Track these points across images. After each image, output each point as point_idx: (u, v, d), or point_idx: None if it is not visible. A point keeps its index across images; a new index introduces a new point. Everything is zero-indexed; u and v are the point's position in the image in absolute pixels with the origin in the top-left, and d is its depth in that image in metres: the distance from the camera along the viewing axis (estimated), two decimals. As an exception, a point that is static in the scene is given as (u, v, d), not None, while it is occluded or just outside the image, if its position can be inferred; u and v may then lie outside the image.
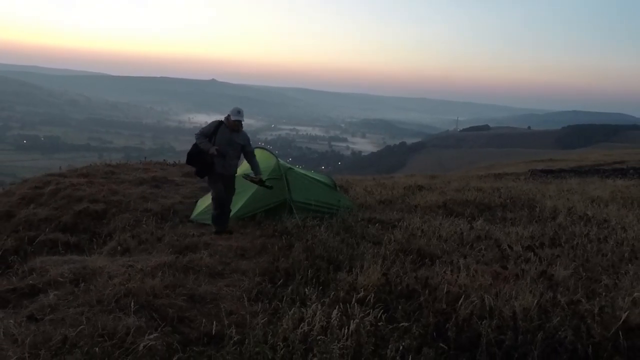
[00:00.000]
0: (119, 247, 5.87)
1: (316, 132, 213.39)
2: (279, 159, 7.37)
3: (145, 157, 14.24)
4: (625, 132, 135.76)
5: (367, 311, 3.28)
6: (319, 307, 3.32)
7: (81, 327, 3.15)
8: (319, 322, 3.07)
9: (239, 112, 6.38)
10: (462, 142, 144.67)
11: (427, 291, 3.76)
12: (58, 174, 10.66)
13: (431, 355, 2.80)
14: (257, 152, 8.18)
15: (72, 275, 4.25)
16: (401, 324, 3.17)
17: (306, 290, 3.87)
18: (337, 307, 3.32)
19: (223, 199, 6.44)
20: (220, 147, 6.21)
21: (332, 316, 3.14)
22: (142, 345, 2.97)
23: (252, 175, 6.54)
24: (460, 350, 3.00)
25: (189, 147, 6.54)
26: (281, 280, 4.22)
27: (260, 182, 6.52)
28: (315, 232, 5.79)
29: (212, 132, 6.37)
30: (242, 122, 6.47)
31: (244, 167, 8.32)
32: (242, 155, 6.68)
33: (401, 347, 2.81)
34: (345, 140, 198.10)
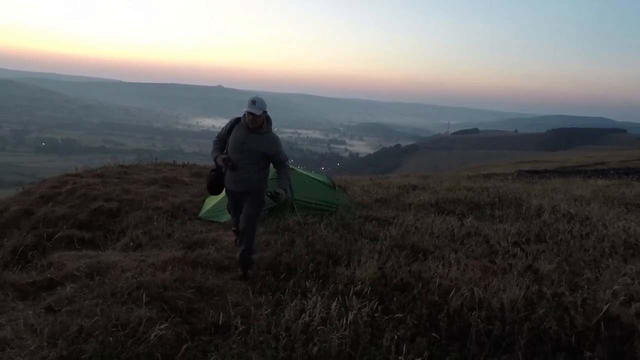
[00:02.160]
0: (131, 243, 5.86)
1: (316, 135, 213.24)
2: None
3: (156, 159, 14.22)
4: (606, 135, 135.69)
5: (364, 303, 3.28)
6: (319, 299, 3.32)
7: (96, 317, 3.16)
8: (319, 313, 3.07)
9: (253, 103, 4.25)
10: (453, 144, 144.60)
11: (420, 284, 3.76)
12: (74, 174, 10.65)
13: (424, 344, 2.80)
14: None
15: (87, 269, 4.25)
16: (396, 315, 3.17)
17: (307, 283, 3.87)
18: (336, 299, 3.32)
19: (235, 225, 4.73)
20: (231, 155, 4.40)
21: (331, 308, 3.14)
22: (153, 334, 2.97)
23: (277, 192, 4.36)
24: (451, 339, 3.00)
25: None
26: (283, 274, 4.22)
27: (279, 199, 4.43)
28: (316, 228, 5.79)
29: (225, 133, 4.57)
30: (264, 119, 4.38)
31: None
32: (271, 166, 4.65)
33: (396, 337, 2.80)
34: (343, 142, 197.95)
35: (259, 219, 4.74)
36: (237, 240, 4.64)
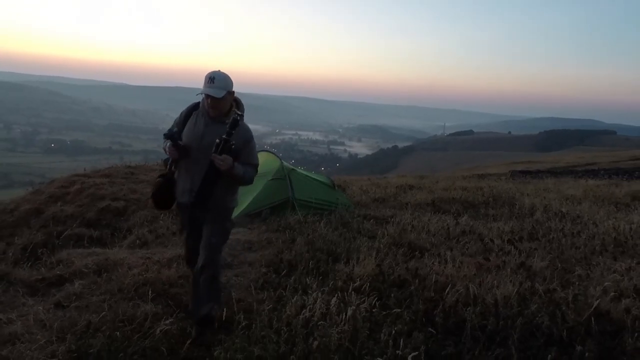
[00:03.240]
0: (137, 241, 5.86)
1: (316, 136, 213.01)
2: (283, 161, 7.36)
3: (162, 159, 14.16)
4: (596, 136, 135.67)
5: (363, 299, 3.28)
6: (319, 295, 3.32)
7: (103, 313, 3.16)
8: (319, 309, 3.07)
9: (211, 80, 3.02)
10: (449, 145, 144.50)
11: (417, 281, 3.76)
12: (83, 174, 10.65)
13: (421, 339, 2.80)
14: (263, 155, 8.13)
15: (95, 267, 4.25)
16: (393, 311, 3.17)
17: (307, 279, 3.87)
18: (336, 295, 3.32)
19: (188, 250, 3.40)
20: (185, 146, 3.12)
21: (331, 303, 3.14)
22: (158, 329, 2.97)
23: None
24: (447, 334, 3.00)
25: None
26: (285, 271, 4.21)
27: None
28: (316, 227, 5.79)
29: (180, 120, 3.27)
30: (231, 102, 3.16)
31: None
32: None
33: (393, 332, 2.80)
34: (342, 144, 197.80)
35: (224, 247, 3.39)
36: (193, 281, 3.31)
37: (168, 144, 3.16)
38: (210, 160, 2.96)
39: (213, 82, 3.01)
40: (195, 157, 3.12)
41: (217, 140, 2.93)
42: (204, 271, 3.14)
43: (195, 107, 3.27)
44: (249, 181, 3.23)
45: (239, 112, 3.06)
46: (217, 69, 3.08)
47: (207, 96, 3.05)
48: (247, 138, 3.17)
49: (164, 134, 3.17)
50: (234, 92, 3.15)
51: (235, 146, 3.00)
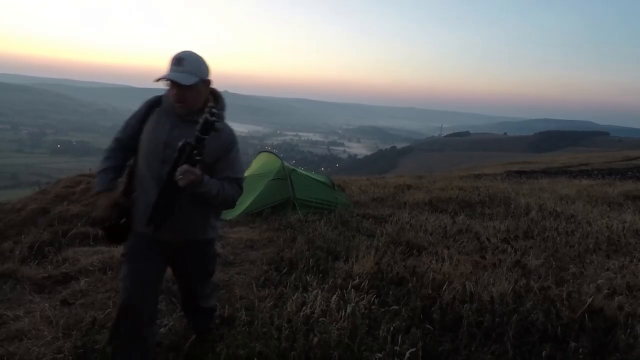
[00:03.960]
0: (142, 240, 5.85)
1: (316, 137, 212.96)
2: (284, 162, 7.37)
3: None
4: (590, 137, 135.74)
5: (362, 296, 3.27)
6: (319, 292, 3.32)
7: (109, 310, 3.15)
8: (319, 306, 3.07)
9: (177, 62, 2.13)
10: (446, 146, 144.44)
11: (414, 278, 3.76)
12: (88, 174, 10.62)
13: (418, 335, 2.80)
14: (264, 156, 8.13)
15: (100, 264, 4.24)
16: (392, 308, 3.17)
17: (308, 277, 3.87)
18: (335, 292, 3.32)
19: (125, 306, 2.24)
20: (146, 169, 2.26)
21: (331, 301, 3.14)
22: (162, 326, 2.97)
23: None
24: (444, 330, 3.00)
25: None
26: (286, 269, 4.21)
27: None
28: (316, 226, 5.78)
29: (137, 120, 2.34)
30: (206, 95, 2.28)
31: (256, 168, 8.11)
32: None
33: (392, 328, 2.80)
34: (342, 144, 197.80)
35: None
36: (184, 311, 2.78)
37: (107, 197, 2.29)
38: (169, 171, 2.07)
39: (181, 65, 2.10)
40: (157, 173, 2.19)
41: (180, 144, 2.04)
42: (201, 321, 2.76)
43: (157, 102, 2.31)
44: (228, 202, 2.26)
45: (215, 110, 2.06)
46: (189, 50, 2.19)
47: (173, 84, 2.13)
48: (229, 144, 2.27)
49: (98, 179, 2.33)
50: (210, 81, 2.23)
51: (208, 156, 2.12)
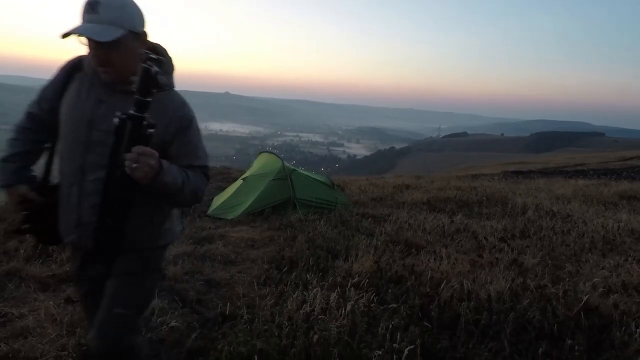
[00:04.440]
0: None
1: (316, 138, 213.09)
2: (284, 162, 7.37)
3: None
4: (586, 138, 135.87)
5: (361, 294, 3.28)
6: (319, 290, 3.32)
7: (112, 308, 3.15)
8: (319, 304, 3.07)
9: (91, 7, 1.40)
10: (444, 147, 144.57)
11: (413, 277, 3.76)
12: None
13: (417, 333, 2.80)
14: (265, 156, 8.14)
15: (104, 263, 4.24)
16: (391, 306, 3.17)
17: (308, 276, 3.87)
18: (335, 290, 3.32)
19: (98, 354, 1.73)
20: (69, 155, 1.61)
21: (330, 299, 3.14)
22: (165, 323, 2.98)
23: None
24: (442, 328, 3.00)
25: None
26: (286, 267, 4.21)
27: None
28: (316, 225, 5.79)
29: (53, 93, 1.63)
30: (143, 54, 1.34)
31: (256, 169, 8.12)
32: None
33: (390, 326, 2.81)
34: (341, 145, 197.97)
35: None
36: None
37: (17, 191, 1.69)
38: (110, 164, 1.46)
39: (96, 11, 1.43)
40: (79, 164, 1.60)
41: (116, 120, 1.39)
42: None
43: (77, 64, 1.66)
44: (196, 196, 1.66)
45: (154, 55, 1.36)
46: None
47: (89, 42, 1.47)
48: (183, 119, 1.64)
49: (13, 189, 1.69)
50: (145, 33, 1.57)
51: (161, 132, 1.52)
